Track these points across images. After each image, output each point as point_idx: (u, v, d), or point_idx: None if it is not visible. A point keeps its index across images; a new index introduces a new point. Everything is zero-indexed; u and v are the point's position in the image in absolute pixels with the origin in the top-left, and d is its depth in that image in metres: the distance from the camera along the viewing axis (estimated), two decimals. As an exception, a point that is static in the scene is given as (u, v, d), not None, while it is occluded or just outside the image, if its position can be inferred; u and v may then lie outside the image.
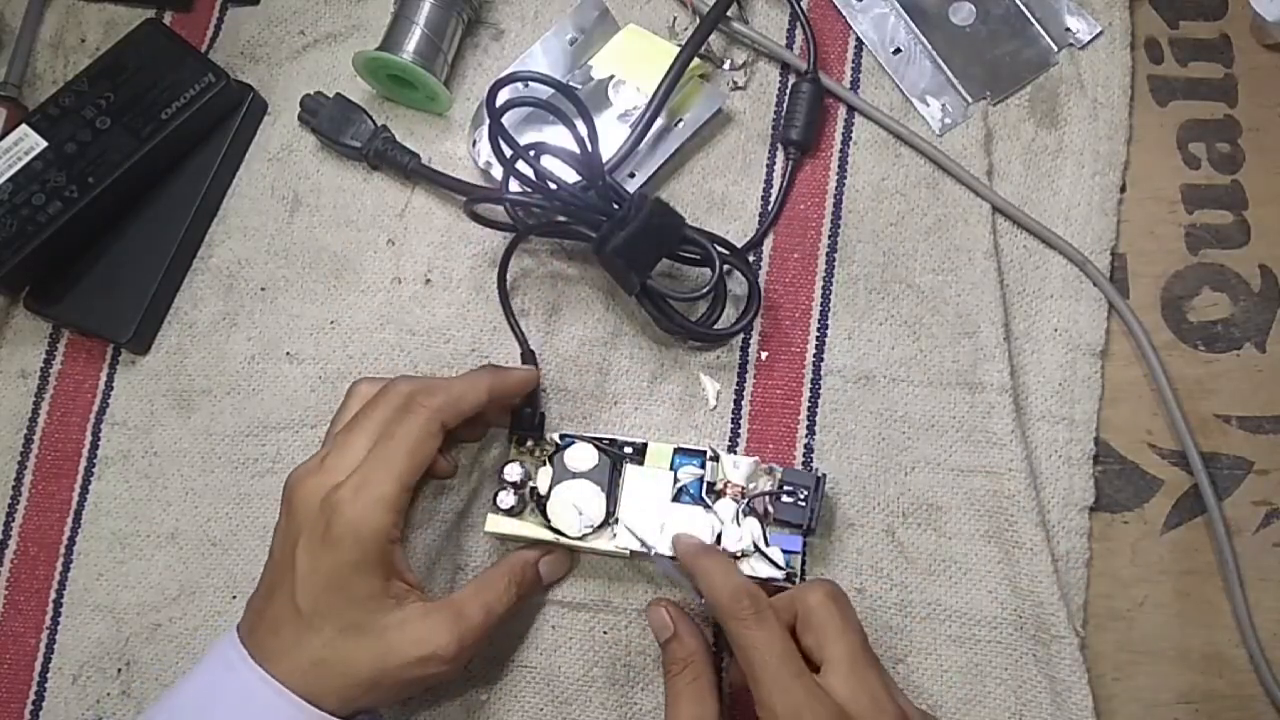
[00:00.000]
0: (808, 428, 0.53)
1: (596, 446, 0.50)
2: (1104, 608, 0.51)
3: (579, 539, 0.49)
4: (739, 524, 0.49)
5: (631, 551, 0.49)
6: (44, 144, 0.54)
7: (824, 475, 0.50)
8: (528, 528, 0.50)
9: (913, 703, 0.45)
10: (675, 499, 0.50)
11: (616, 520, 0.49)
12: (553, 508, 0.50)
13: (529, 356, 0.53)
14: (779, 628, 0.44)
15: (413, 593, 0.46)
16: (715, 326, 0.53)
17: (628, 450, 0.51)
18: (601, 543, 0.49)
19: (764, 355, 0.54)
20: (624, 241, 0.49)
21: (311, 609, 0.44)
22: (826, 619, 0.44)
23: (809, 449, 0.53)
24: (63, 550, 0.55)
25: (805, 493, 0.49)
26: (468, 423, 0.49)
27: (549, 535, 0.50)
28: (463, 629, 0.45)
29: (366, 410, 0.47)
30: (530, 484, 0.50)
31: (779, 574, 0.48)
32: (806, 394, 0.54)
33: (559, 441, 0.51)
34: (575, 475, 0.50)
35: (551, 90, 0.48)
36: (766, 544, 0.48)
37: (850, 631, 0.44)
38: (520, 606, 0.49)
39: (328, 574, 0.44)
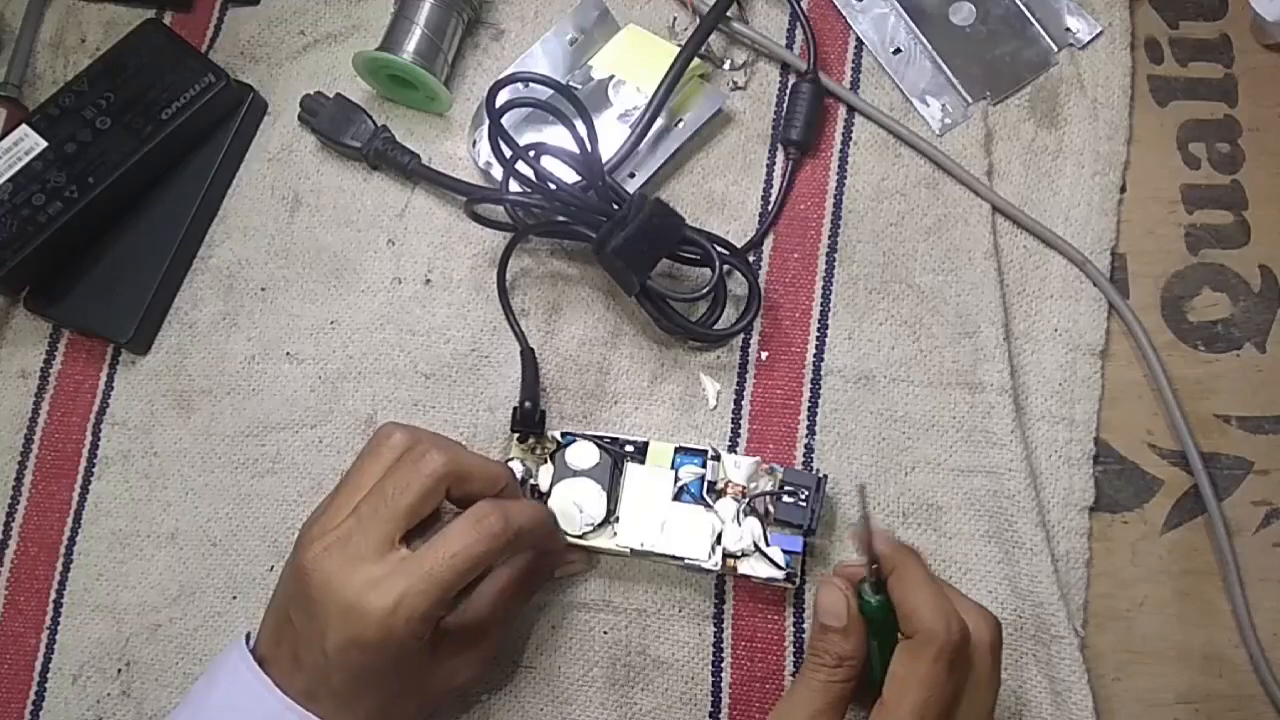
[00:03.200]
0: (808, 428, 0.53)
1: (598, 445, 0.51)
2: (1104, 608, 0.51)
3: (579, 537, 0.49)
4: (739, 524, 0.49)
5: (632, 550, 0.49)
6: (44, 144, 0.54)
7: (825, 476, 0.50)
8: None
9: None
10: (676, 498, 0.50)
11: (617, 519, 0.49)
12: (553, 505, 0.50)
13: (528, 354, 0.53)
14: (957, 686, 0.40)
15: (438, 632, 0.44)
16: (715, 327, 0.53)
17: (629, 449, 0.51)
18: (602, 541, 0.49)
19: (764, 355, 0.54)
20: (624, 242, 0.49)
21: (348, 693, 0.43)
22: (928, 662, 0.39)
23: (809, 449, 0.53)
24: (63, 550, 0.55)
25: (806, 493, 0.49)
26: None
27: None
28: (486, 653, 0.47)
29: (397, 487, 0.43)
30: (531, 481, 0.50)
31: (779, 574, 0.48)
32: (806, 394, 0.54)
33: (560, 440, 0.51)
34: (576, 473, 0.50)
35: (551, 91, 0.49)
36: (767, 544, 0.48)
37: (941, 689, 0.40)
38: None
39: (363, 669, 0.42)
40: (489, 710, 0.51)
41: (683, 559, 0.49)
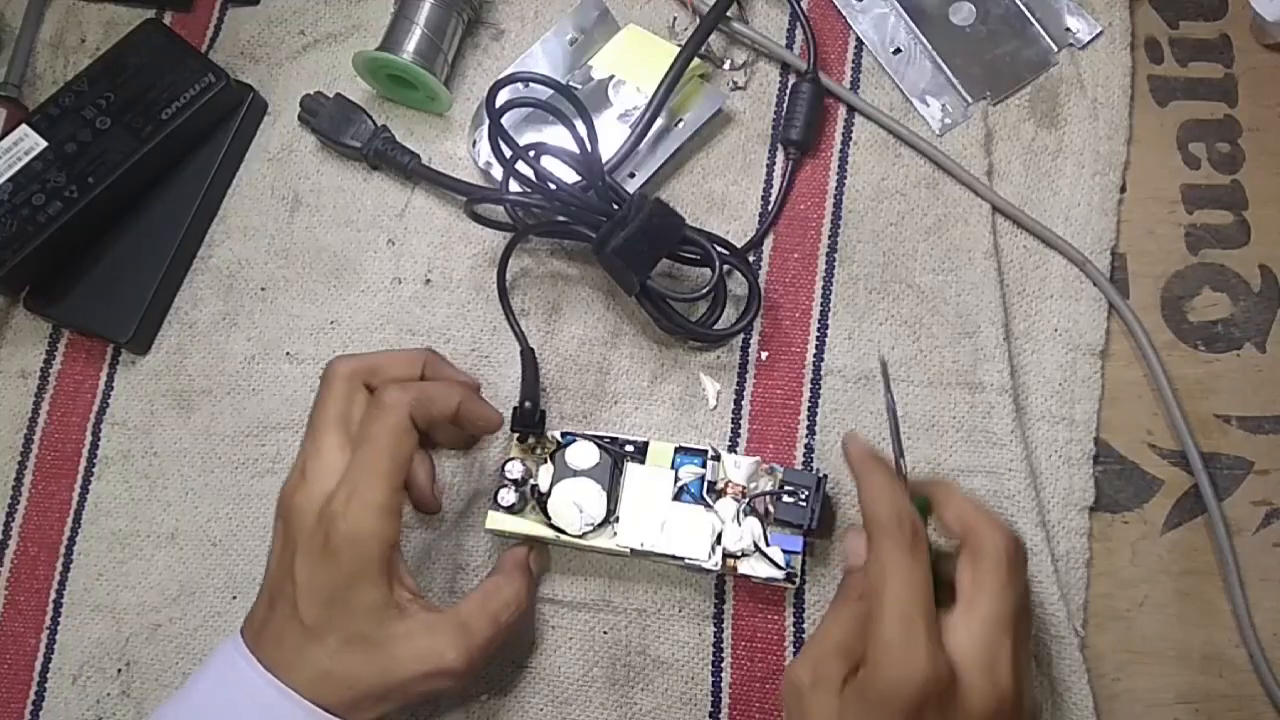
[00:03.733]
0: (808, 428, 0.53)
1: (598, 445, 0.51)
2: (1104, 608, 0.51)
3: (579, 537, 0.49)
4: (739, 523, 0.49)
5: (632, 550, 0.49)
6: (44, 144, 0.54)
7: (825, 475, 0.50)
8: (528, 525, 0.50)
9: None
10: (676, 498, 0.50)
11: (617, 519, 0.50)
12: (553, 505, 0.50)
13: (528, 354, 0.53)
14: (927, 565, 0.41)
15: (415, 601, 0.45)
16: (715, 327, 0.53)
17: (629, 449, 0.51)
18: (602, 541, 0.49)
19: (764, 355, 0.54)
20: (624, 242, 0.49)
21: (315, 622, 0.43)
22: (993, 570, 0.41)
23: (809, 449, 0.53)
24: (63, 550, 0.55)
25: (806, 493, 0.49)
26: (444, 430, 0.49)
27: (549, 533, 0.50)
28: (470, 643, 0.45)
29: (322, 409, 0.47)
30: (531, 481, 0.50)
31: (779, 574, 0.48)
32: (807, 394, 0.54)
33: (560, 439, 0.51)
34: (576, 473, 0.50)
35: (551, 91, 0.48)
36: (767, 544, 0.48)
37: (1009, 593, 0.41)
38: (528, 608, 0.49)
39: (329, 586, 0.43)
40: (489, 710, 0.51)
41: (683, 559, 0.49)
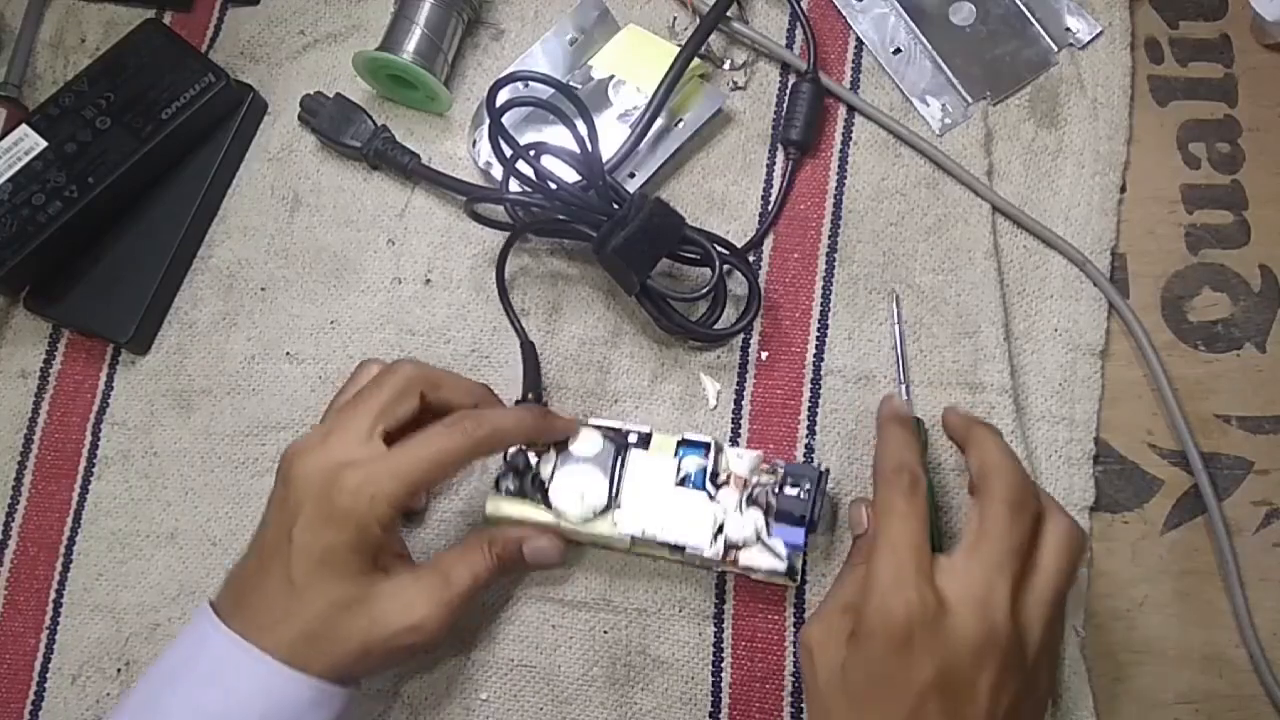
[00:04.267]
0: (808, 428, 0.53)
1: (601, 433, 0.50)
2: (1104, 608, 0.51)
3: (580, 524, 0.49)
4: (741, 512, 0.49)
5: (633, 539, 0.49)
6: (44, 144, 0.54)
7: (827, 470, 0.50)
8: (529, 510, 0.49)
9: (1053, 626, 0.43)
10: (679, 485, 0.49)
11: (619, 505, 0.49)
12: (555, 491, 0.49)
13: (528, 347, 0.53)
14: (923, 513, 0.43)
15: (400, 560, 0.47)
16: (715, 326, 0.53)
17: (632, 438, 0.50)
18: (603, 528, 0.49)
19: (764, 355, 0.54)
20: (624, 241, 0.49)
21: (304, 583, 0.44)
22: (996, 513, 0.42)
23: (809, 449, 0.53)
24: (63, 550, 0.55)
25: (808, 485, 0.48)
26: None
27: (550, 518, 0.49)
28: (450, 595, 0.46)
29: (372, 392, 0.47)
30: (533, 469, 0.50)
31: (780, 565, 0.48)
32: (807, 394, 0.54)
33: None
34: (579, 460, 0.50)
35: (551, 90, 0.48)
36: (769, 534, 0.48)
37: (1011, 536, 0.42)
38: (501, 577, 0.49)
39: (324, 550, 0.44)
40: (489, 710, 0.51)
41: (684, 547, 0.48)
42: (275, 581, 0.44)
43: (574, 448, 0.50)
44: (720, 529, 0.48)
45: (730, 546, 0.48)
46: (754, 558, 0.48)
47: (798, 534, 0.48)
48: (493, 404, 0.51)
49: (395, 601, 0.45)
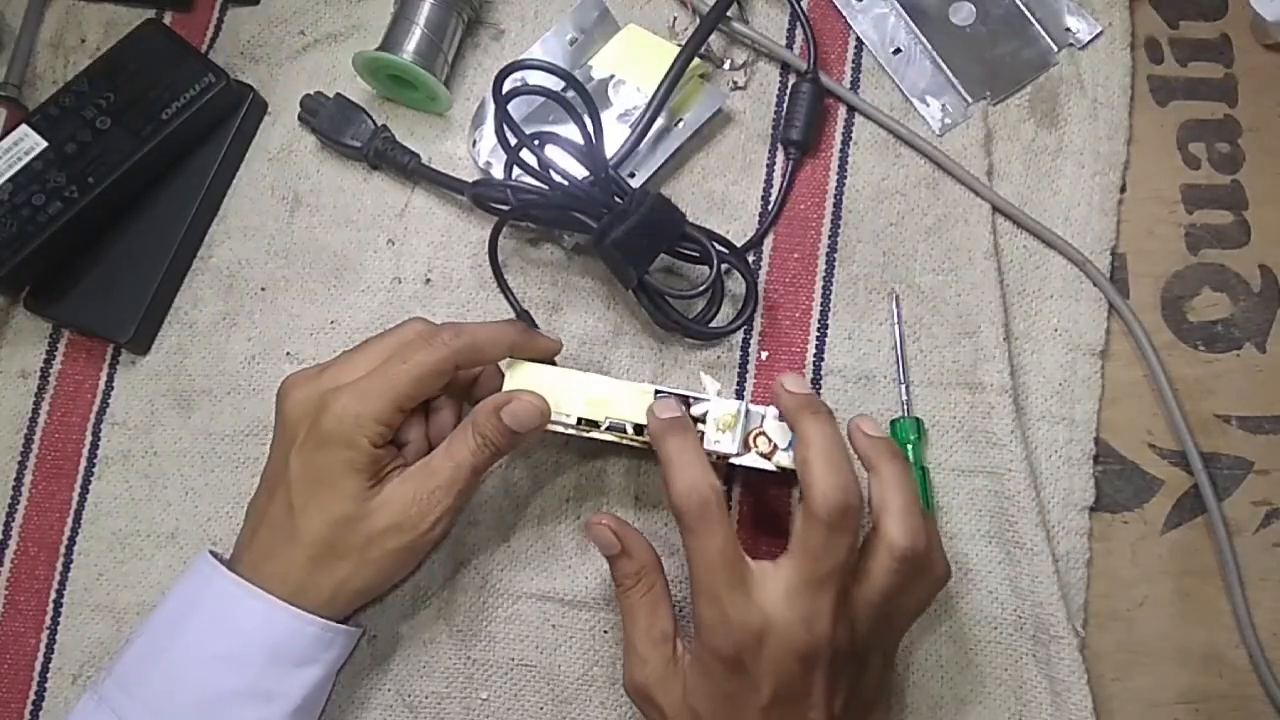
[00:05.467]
0: (808, 428, 0.53)
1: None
2: (1104, 608, 0.51)
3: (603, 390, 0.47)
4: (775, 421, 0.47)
5: (657, 392, 0.47)
6: (44, 144, 0.54)
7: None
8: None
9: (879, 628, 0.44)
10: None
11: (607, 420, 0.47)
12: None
13: (525, 316, 0.54)
14: (721, 531, 0.42)
15: (393, 469, 0.47)
16: (712, 324, 0.53)
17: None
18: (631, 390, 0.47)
19: (764, 355, 0.54)
20: (624, 235, 0.49)
21: (303, 504, 0.45)
22: (814, 528, 0.41)
23: (809, 449, 0.53)
24: (63, 550, 0.55)
25: None
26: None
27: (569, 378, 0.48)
28: (431, 487, 0.46)
29: (381, 335, 0.48)
30: None
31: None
32: (806, 394, 0.54)
33: None
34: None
35: (556, 79, 0.48)
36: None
37: (830, 551, 0.41)
38: (493, 458, 0.47)
39: (320, 471, 0.46)
40: (489, 710, 0.51)
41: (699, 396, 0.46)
42: (278, 507, 0.46)
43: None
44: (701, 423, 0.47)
45: (766, 448, 0.46)
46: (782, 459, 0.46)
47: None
48: (523, 341, 0.49)
49: (383, 506, 0.46)
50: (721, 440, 0.46)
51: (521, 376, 0.48)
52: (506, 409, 0.46)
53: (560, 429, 0.48)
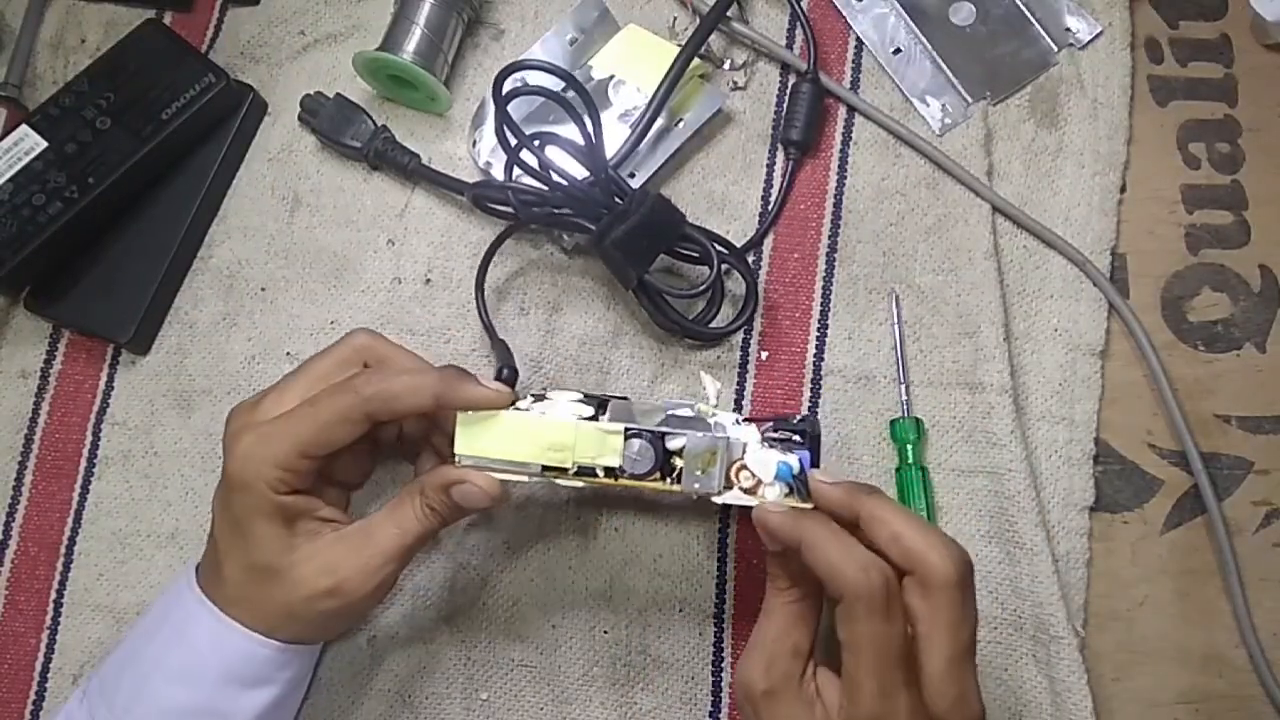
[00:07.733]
0: (808, 428, 0.53)
1: (580, 395, 0.46)
2: (1104, 608, 0.51)
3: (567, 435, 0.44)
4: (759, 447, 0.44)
5: (626, 430, 0.43)
6: (44, 144, 0.54)
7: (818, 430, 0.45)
8: (504, 424, 0.44)
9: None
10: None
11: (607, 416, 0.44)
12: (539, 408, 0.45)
13: (500, 346, 0.53)
14: (903, 624, 0.39)
15: (327, 524, 0.45)
16: (711, 325, 0.53)
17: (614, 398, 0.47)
18: (594, 434, 0.43)
19: (764, 355, 0.54)
20: (624, 235, 0.49)
21: (225, 548, 0.45)
22: (948, 601, 0.38)
23: (809, 449, 0.53)
24: (63, 550, 0.55)
25: (800, 423, 0.45)
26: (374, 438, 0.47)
27: (529, 421, 0.44)
28: (372, 554, 0.44)
29: (319, 358, 0.47)
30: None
31: (793, 463, 0.43)
32: (806, 394, 0.54)
33: (535, 395, 0.47)
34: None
35: (556, 79, 0.48)
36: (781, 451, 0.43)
37: (967, 621, 0.39)
38: (438, 528, 0.45)
39: (232, 517, 0.44)
40: (489, 710, 0.51)
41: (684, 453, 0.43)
42: (212, 543, 0.46)
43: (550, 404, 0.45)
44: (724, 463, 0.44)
45: (749, 483, 0.43)
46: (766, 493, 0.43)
47: (805, 455, 0.43)
48: (450, 394, 0.44)
49: (313, 565, 0.43)
50: (701, 480, 0.43)
51: (474, 426, 0.44)
52: (458, 489, 0.44)
53: (526, 479, 0.44)
